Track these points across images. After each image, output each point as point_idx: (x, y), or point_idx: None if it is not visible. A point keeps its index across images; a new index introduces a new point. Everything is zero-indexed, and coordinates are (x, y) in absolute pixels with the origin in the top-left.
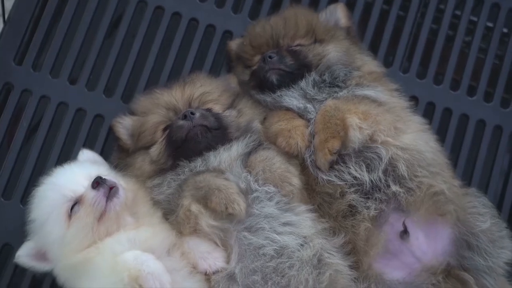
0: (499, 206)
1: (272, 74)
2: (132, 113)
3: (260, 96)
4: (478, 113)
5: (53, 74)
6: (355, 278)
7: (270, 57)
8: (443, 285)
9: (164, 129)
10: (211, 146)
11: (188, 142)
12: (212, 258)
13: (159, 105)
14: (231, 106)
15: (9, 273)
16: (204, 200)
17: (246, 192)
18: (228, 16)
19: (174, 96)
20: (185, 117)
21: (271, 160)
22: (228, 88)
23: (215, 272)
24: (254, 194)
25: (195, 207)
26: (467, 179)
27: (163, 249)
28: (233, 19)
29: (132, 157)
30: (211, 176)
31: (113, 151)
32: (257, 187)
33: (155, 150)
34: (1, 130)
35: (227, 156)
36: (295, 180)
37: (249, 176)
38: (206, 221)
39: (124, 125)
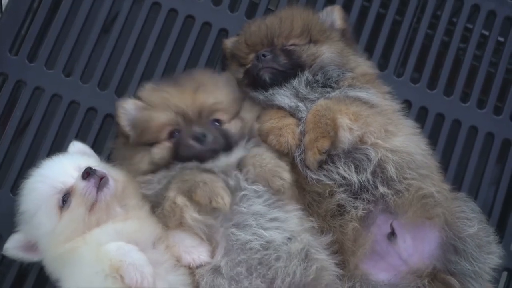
0: (488, 213)
1: (265, 73)
2: (138, 98)
3: (253, 94)
4: (471, 119)
5: (48, 66)
6: (340, 276)
7: (263, 55)
8: None
9: (171, 133)
10: (214, 156)
11: (194, 158)
12: (196, 252)
13: (168, 106)
14: (237, 114)
15: None
16: (189, 192)
17: (235, 190)
18: (224, 14)
19: (184, 102)
20: (196, 138)
21: (261, 156)
22: (236, 95)
23: (199, 266)
24: (243, 192)
25: (180, 200)
26: (457, 184)
27: (149, 242)
28: (229, 18)
29: (131, 151)
30: (198, 170)
31: (107, 140)
32: (246, 185)
33: (158, 154)
34: None
35: (225, 161)
36: (286, 175)
37: (239, 174)
38: (191, 214)
39: (127, 111)
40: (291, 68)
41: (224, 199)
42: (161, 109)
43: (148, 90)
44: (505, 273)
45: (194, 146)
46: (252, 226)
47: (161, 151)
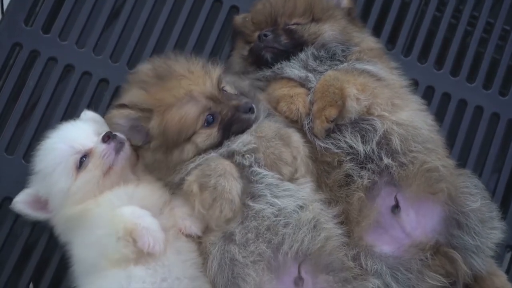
0: (493, 191)
1: (266, 52)
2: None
3: (259, 72)
4: (477, 99)
5: (62, 37)
6: (346, 243)
7: (265, 35)
8: (431, 261)
9: (205, 119)
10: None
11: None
12: (189, 221)
13: (191, 96)
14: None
15: (8, 225)
16: (201, 188)
17: (249, 167)
18: None
19: (203, 84)
20: (246, 110)
21: (267, 143)
22: None
23: (188, 235)
24: (254, 168)
25: (195, 188)
26: (462, 163)
27: (158, 207)
28: None
29: (165, 154)
30: (222, 170)
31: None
32: (257, 168)
33: (206, 141)
34: (8, 88)
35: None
36: (285, 170)
37: (252, 158)
38: (198, 206)
39: (121, 124)
40: (292, 47)
41: (222, 212)
42: (186, 102)
43: (142, 95)
44: (510, 253)
45: (247, 118)
46: (267, 196)
47: (208, 137)
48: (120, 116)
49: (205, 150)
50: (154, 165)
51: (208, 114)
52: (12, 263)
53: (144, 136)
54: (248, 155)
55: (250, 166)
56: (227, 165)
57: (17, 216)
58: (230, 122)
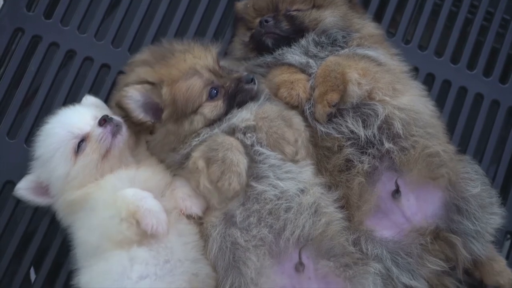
0: (493, 178)
1: (267, 38)
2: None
3: (260, 58)
4: (477, 86)
5: (64, 22)
6: (346, 228)
7: (266, 21)
8: (431, 246)
9: (208, 92)
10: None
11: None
12: (190, 201)
13: (195, 70)
14: None
15: (9, 209)
16: (208, 162)
17: (252, 147)
18: None
19: (204, 59)
20: (248, 81)
21: (270, 123)
22: None
23: (188, 216)
24: (256, 148)
25: (200, 164)
26: (462, 150)
27: (159, 189)
28: None
29: (175, 125)
30: (229, 145)
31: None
32: (260, 148)
33: (213, 112)
34: (10, 73)
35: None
36: (288, 149)
37: (253, 138)
38: (203, 182)
39: (134, 98)
40: (293, 33)
41: (231, 185)
42: (190, 75)
43: (149, 70)
44: (510, 240)
45: (250, 88)
46: (270, 177)
47: (214, 108)
48: (134, 90)
49: (214, 121)
50: (164, 141)
51: (211, 88)
52: (13, 248)
53: (155, 113)
54: (249, 134)
55: (252, 145)
56: (233, 140)
57: (19, 200)
58: (234, 93)
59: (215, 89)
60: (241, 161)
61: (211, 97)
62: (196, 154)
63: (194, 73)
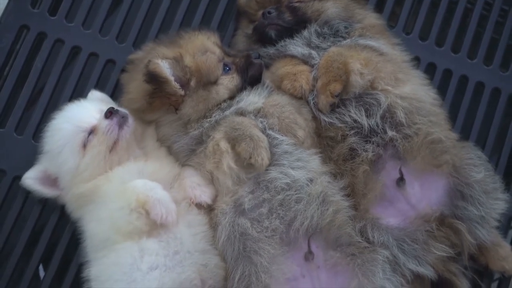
0: (495, 166)
1: (270, 30)
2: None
3: (263, 50)
4: (478, 75)
5: (68, 19)
6: (352, 217)
7: (269, 12)
8: (436, 232)
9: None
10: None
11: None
12: (199, 190)
13: (207, 47)
14: None
15: (18, 205)
16: (234, 141)
17: (264, 130)
18: None
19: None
20: (255, 56)
21: (282, 108)
22: None
23: (198, 204)
24: (268, 132)
25: (223, 144)
26: (464, 137)
27: (168, 181)
28: None
29: (202, 93)
30: (249, 124)
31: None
32: (271, 132)
33: (231, 83)
34: (16, 70)
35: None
36: (300, 133)
37: (264, 122)
38: (228, 162)
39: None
40: (296, 24)
41: (263, 159)
42: (204, 51)
43: (165, 49)
44: None
45: (259, 62)
46: (284, 165)
47: (231, 80)
48: (165, 61)
49: (234, 94)
50: (194, 108)
51: (224, 64)
52: (22, 245)
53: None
54: (261, 119)
55: (265, 129)
56: (250, 120)
57: (27, 194)
58: (245, 67)
59: (227, 66)
60: (264, 138)
61: (225, 71)
62: (218, 135)
63: (206, 49)
